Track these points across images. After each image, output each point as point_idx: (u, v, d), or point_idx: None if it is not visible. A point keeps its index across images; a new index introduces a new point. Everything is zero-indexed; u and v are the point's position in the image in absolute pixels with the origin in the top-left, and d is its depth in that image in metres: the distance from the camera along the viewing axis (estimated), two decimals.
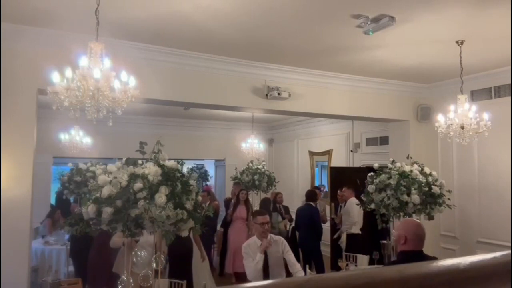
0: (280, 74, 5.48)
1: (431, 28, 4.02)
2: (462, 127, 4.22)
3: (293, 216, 7.34)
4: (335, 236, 6.86)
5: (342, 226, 6.62)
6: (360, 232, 6.49)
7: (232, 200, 7.85)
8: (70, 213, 5.72)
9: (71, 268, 5.99)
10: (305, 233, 6.76)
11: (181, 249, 4.78)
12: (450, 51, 4.55)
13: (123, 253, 4.19)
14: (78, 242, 5.34)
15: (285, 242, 4.26)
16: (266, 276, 3.96)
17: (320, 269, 6.46)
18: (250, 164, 8.77)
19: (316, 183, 9.82)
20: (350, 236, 6.42)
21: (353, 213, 6.46)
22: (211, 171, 14.24)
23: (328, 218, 7.68)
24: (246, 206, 7.24)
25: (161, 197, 2.83)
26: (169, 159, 3.17)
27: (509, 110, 5.34)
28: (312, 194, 6.94)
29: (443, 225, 6.32)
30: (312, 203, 6.78)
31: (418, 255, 2.72)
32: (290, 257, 4.13)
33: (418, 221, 3.15)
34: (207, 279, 5.71)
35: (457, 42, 4.37)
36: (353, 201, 6.42)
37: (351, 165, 8.50)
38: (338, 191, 6.95)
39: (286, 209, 7.84)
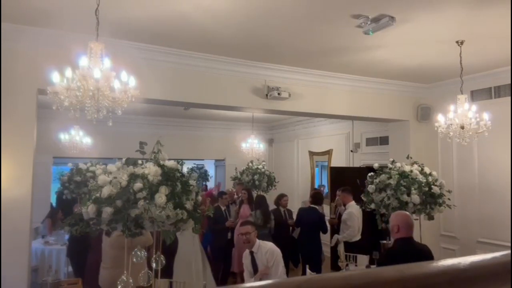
0: (280, 74, 5.48)
1: (431, 28, 4.02)
2: (462, 127, 4.22)
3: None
4: (332, 244, 6.40)
5: (340, 233, 6.16)
6: (359, 237, 6.08)
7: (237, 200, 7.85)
8: (71, 213, 5.72)
9: (71, 268, 6.00)
10: (306, 237, 6.35)
11: (165, 248, 4.80)
12: (450, 51, 4.55)
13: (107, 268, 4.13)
14: (77, 243, 5.34)
15: (275, 254, 4.17)
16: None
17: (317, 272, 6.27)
18: (250, 164, 8.77)
19: (316, 183, 9.82)
20: (348, 244, 5.97)
21: (352, 223, 6.00)
22: (211, 171, 14.25)
23: (327, 218, 7.62)
24: (249, 205, 7.26)
25: (161, 197, 2.83)
26: (169, 159, 3.17)
27: (509, 110, 5.34)
28: (319, 197, 6.66)
29: (443, 225, 6.32)
30: (317, 207, 6.47)
31: (409, 241, 3.27)
32: (277, 273, 4.04)
33: (407, 212, 3.51)
34: (207, 279, 5.72)
35: (457, 42, 4.37)
36: (352, 208, 6.11)
37: (351, 165, 8.50)
38: (337, 192, 6.63)
39: (290, 213, 7.17)
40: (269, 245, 4.29)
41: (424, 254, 3.39)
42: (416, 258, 3.26)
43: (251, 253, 4.24)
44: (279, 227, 6.65)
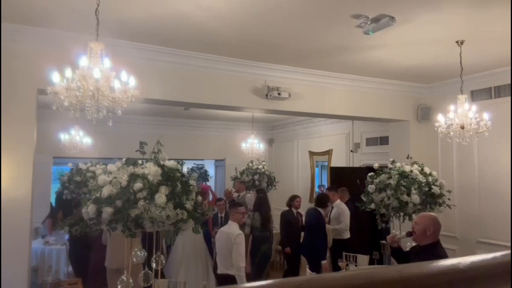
0: (280, 74, 5.48)
1: (431, 28, 4.02)
2: (462, 127, 4.22)
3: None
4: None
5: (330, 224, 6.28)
6: (349, 235, 6.13)
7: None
8: (72, 213, 5.72)
9: (71, 268, 6.00)
10: (308, 237, 6.21)
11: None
12: (450, 51, 4.55)
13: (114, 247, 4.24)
14: (78, 244, 5.34)
15: (237, 238, 4.25)
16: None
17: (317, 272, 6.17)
18: (250, 164, 8.78)
19: (316, 183, 9.82)
20: (338, 242, 6.01)
21: (345, 219, 6.12)
22: (211, 171, 14.25)
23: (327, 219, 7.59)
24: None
25: (161, 197, 2.84)
26: (169, 159, 3.17)
27: (509, 110, 5.34)
28: (323, 200, 6.31)
29: (443, 225, 6.22)
30: (321, 210, 6.21)
31: (437, 246, 3.24)
32: (236, 252, 4.16)
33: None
34: (206, 279, 5.71)
35: (457, 42, 4.37)
36: (342, 205, 6.21)
37: (351, 165, 8.50)
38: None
39: (301, 215, 6.75)
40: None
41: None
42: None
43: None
44: (291, 229, 6.39)
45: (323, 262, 5.53)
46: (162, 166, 3.06)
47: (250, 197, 7.83)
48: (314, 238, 6.15)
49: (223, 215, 6.51)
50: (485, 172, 5.77)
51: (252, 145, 8.78)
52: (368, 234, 6.32)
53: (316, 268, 5.87)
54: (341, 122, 8.77)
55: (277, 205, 9.24)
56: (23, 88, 4.04)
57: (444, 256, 3.27)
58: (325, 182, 9.60)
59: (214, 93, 5.15)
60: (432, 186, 4.47)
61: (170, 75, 4.85)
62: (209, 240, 6.54)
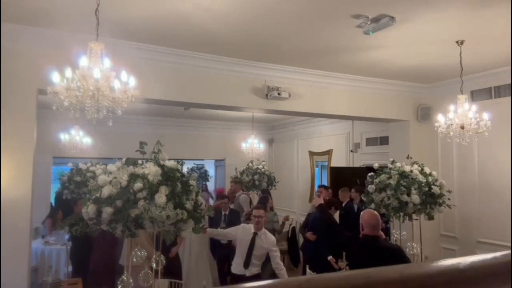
0: (280, 74, 5.48)
1: (431, 28, 4.02)
2: (462, 127, 4.22)
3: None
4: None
5: None
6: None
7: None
8: (71, 213, 5.72)
9: (71, 268, 6.00)
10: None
11: (104, 259, 4.83)
12: (450, 51, 4.55)
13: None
14: (78, 244, 5.34)
15: (274, 241, 4.60)
16: (247, 261, 4.44)
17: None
18: (250, 164, 8.77)
19: (316, 183, 9.81)
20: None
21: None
22: (211, 171, 14.25)
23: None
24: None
25: (161, 197, 2.84)
26: (169, 159, 3.17)
27: (509, 110, 5.34)
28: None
29: (443, 225, 6.32)
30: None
31: (371, 239, 3.37)
32: (275, 257, 4.46)
33: (374, 212, 3.59)
34: (206, 279, 5.71)
35: (457, 42, 4.37)
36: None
37: (351, 165, 8.50)
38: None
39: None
40: (273, 238, 4.67)
41: (388, 253, 3.31)
42: (379, 255, 3.26)
43: (255, 233, 4.53)
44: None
45: (329, 258, 5.70)
46: (162, 166, 3.06)
47: (245, 198, 7.68)
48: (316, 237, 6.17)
49: (227, 212, 6.47)
50: (485, 172, 5.77)
51: (252, 145, 8.78)
52: None
53: (316, 268, 5.87)
54: (341, 122, 8.77)
55: (278, 205, 9.25)
56: (23, 88, 4.04)
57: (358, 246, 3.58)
58: (325, 182, 9.60)
59: (214, 93, 5.15)
60: (432, 186, 4.47)
61: (170, 75, 4.85)
62: (213, 242, 6.48)
